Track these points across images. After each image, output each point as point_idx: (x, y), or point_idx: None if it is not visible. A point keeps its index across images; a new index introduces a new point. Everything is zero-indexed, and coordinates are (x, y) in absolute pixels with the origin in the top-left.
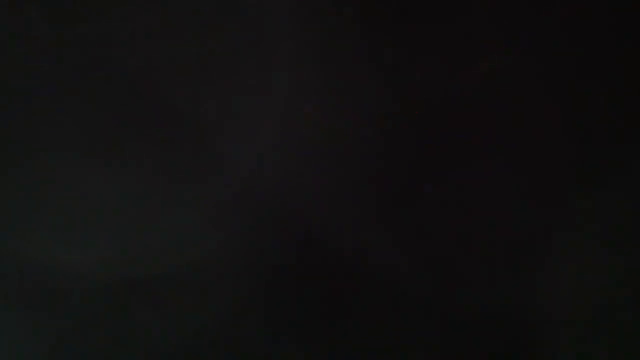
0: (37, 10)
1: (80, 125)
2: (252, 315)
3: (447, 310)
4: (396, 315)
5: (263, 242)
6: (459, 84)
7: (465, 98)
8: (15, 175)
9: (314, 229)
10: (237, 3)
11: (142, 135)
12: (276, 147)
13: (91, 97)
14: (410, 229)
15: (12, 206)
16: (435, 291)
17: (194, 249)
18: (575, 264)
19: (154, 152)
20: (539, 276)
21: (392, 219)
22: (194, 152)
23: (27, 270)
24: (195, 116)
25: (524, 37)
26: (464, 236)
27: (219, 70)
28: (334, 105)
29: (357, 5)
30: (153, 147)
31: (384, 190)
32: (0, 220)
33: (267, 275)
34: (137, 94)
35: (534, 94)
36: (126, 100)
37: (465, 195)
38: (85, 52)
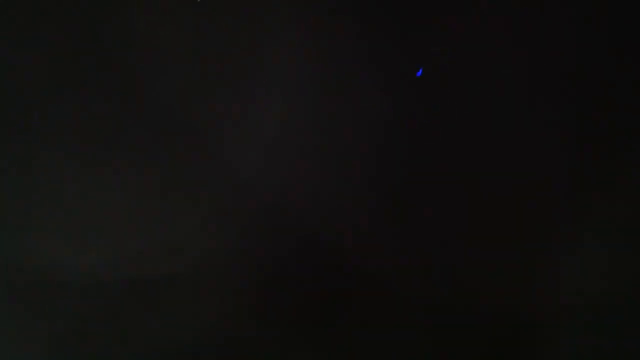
0: (38, 10)
1: (80, 126)
2: (252, 316)
3: (447, 311)
4: (396, 316)
5: (263, 242)
6: (459, 83)
7: (464, 98)
8: (15, 175)
9: (314, 229)
10: (237, 5)
11: (142, 136)
12: (276, 148)
13: (92, 99)
14: (411, 229)
15: (12, 206)
16: (435, 291)
17: (193, 249)
18: (575, 264)
19: (155, 153)
20: (539, 276)
21: (392, 219)
22: (194, 153)
23: (27, 270)
24: (196, 118)
25: (524, 36)
26: (464, 236)
27: (219, 72)
28: (333, 107)
29: (356, 6)
30: (153, 149)
31: (383, 191)
32: (1, 220)
33: (266, 276)
34: (137, 96)
35: (534, 94)
36: (127, 102)
37: (465, 195)
38: (86, 54)
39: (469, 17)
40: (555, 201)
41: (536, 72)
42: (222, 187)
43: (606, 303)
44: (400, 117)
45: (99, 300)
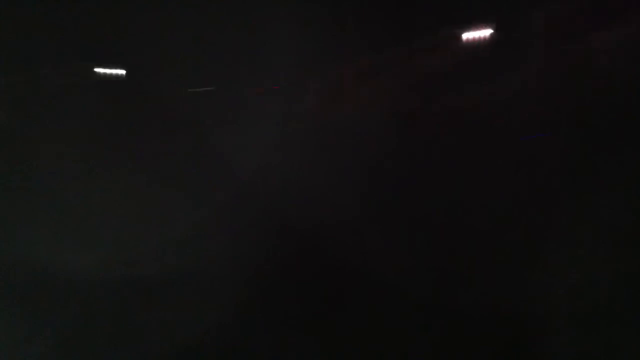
0: (39, 9)
1: (80, 127)
2: (252, 316)
3: (447, 311)
4: (396, 316)
5: (263, 242)
6: (458, 83)
7: (465, 97)
8: (16, 176)
9: (314, 229)
10: (238, 5)
11: (143, 137)
12: (276, 149)
13: (92, 99)
14: (411, 229)
15: (13, 207)
16: (435, 291)
17: (193, 250)
18: (575, 264)
19: (155, 154)
20: (539, 276)
21: (391, 219)
22: (194, 154)
23: (27, 270)
24: (195, 118)
25: (524, 36)
26: (464, 236)
27: (219, 73)
28: (334, 108)
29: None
30: (154, 149)
31: (383, 191)
32: (1, 221)
33: (266, 276)
34: (138, 96)
35: (534, 94)
36: (127, 102)
37: (465, 196)
38: (85, 54)
39: (469, 19)
40: (555, 201)
41: (536, 72)
42: (222, 188)
43: (606, 303)
44: (400, 117)
45: (99, 300)
